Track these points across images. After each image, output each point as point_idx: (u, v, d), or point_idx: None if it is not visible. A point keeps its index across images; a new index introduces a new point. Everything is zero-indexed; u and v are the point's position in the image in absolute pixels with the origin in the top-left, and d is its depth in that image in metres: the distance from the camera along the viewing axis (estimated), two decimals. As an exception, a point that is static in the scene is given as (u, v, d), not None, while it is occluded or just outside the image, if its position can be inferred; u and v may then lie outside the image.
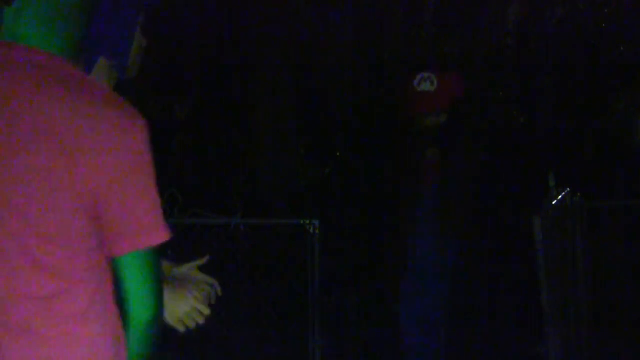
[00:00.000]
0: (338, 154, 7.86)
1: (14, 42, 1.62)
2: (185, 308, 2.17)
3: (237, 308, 5.47)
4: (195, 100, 8.52)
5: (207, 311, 2.19)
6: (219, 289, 2.29)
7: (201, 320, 2.19)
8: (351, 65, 8.30)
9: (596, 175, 6.70)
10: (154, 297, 1.64)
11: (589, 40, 8.27)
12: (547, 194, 4.93)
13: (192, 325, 2.19)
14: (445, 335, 4.61)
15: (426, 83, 4.43)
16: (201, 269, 2.34)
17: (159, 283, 1.65)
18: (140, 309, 1.62)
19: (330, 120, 8.15)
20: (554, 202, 4.88)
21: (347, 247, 6.37)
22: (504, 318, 5.70)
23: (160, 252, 1.66)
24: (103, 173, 1.56)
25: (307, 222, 5.30)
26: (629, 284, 5.73)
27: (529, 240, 4.75)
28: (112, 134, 1.57)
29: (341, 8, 8.34)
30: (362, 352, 5.79)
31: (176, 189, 6.22)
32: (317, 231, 5.26)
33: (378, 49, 8.44)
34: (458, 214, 4.49)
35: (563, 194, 5.04)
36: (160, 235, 1.64)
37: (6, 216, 1.56)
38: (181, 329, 2.20)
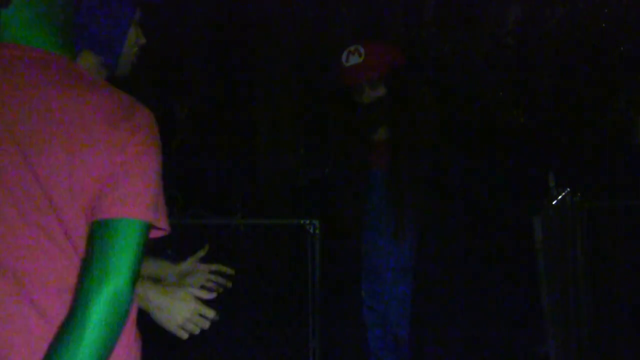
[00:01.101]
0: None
1: (11, 43, 1.65)
2: (186, 313, 2.08)
3: (237, 308, 5.48)
4: (195, 100, 8.52)
5: (211, 313, 2.08)
6: (230, 271, 2.22)
7: (206, 325, 2.09)
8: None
9: (596, 175, 6.70)
10: (128, 266, 1.56)
11: (589, 40, 8.27)
12: (547, 194, 4.93)
13: (195, 330, 2.09)
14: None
15: (354, 56, 4.07)
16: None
17: (137, 260, 1.58)
18: (112, 275, 1.55)
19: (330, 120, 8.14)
20: (554, 202, 4.88)
21: (347, 247, 6.37)
22: (504, 318, 5.69)
23: (146, 237, 1.61)
24: (103, 164, 1.58)
25: (307, 222, 5.30)
26: (629, 283, 5.73)
27: (529, 240, 4.74)
28: (111, 125, 1.59)
29: (341, 8, 8.34)
30: (362, 352, 5.78)
31: (176, 189, 6.22)
32: (317, 231, 5.26)
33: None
34: (411, 204, 4.07)
35: (563, 194, 5.04)
36: (160, 218, 1.62)
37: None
38: (183, 335, 2.10)
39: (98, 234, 1.57)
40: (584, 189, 5.49)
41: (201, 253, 2.32)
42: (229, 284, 2.29)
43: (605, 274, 5.62)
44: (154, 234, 1.68)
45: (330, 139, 4.54)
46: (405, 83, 4.14)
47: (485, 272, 5.47)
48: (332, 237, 4.57)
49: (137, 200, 1.59)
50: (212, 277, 2.31)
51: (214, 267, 2.22)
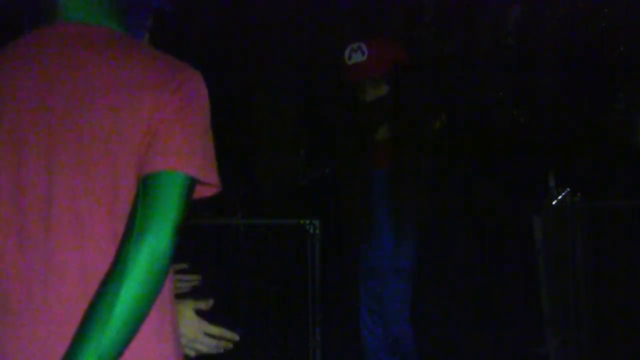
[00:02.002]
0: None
1: (68, 22, 1.74)
2: (189, 333, 1.96)
3: (237, 308, 5.47)
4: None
5: (218, 331, 2.01)
6: (184, 266, 2.16)
7: (217, 344, 2.01)
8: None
9: (596, 175, 6.70)
10: (169, 219, 1.57)
11: (589, 40, 8.26)
12: (547, 194, 4.93)
13: (206, 351, 2.00)
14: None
15: (356, 54, 4.04)
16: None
17: (179, 214, 1.58)
18: (154, 229, 1.56)
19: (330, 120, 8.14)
20: (554, 202, 4.88)
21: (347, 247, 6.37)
22: (504, 318, 5.69)
23: (191, 191, 1.61)
24: (144, 123, 1.61)
25: (307, 222, 5.30)
26: (629, 284, 5.73)
27: (529, 240, 4.74)
28: (151, 85, 1.64)
29: (341, 8, 8.34)
30: (362, 352, 5.78)
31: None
32: (317, 231, 5.26)
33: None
34: (412, 202, 4.03)
35: (563, 194, 5.04)
36: (205, 172, 1.63)
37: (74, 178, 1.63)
38: (190, 354, 2.00)
39: (141, 188, 1.59)
40: (584, 189, 5.49)
41: (180, 266, 2.25)
42: (196, 280, 2.22)
43: (605, 274, 5.62)
44: (206, 191, 1.68)
45: (331, 138, 4.51)
46: (408, 81, 4.12)
47: (485, 272, 5.47)
48: (333, 236, 4.55)
49: (178, 153, 1.60)
50: (178, 276, 2.23)
51: (176, 267, 2.14)
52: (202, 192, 1.68)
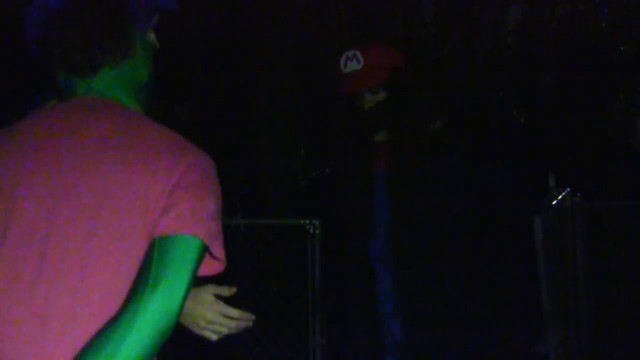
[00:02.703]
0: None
1: (92, 96, 1.79)
2: (209, 315, 2.06)
3: (237, 308, 5.47)
4: (195, 101, 8.52)
5: (235, 313, 2.08)
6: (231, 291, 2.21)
7: (232, 325, 2.07)
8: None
9: (596, 175, 6.70)
10: (182, 281, 1.61)
11: (589, 40, 8.26)
12: (547, 194, 4.93)
13: (222, 331, 2.08)
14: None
15: (352, 62, 3.93)
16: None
17: (190, 277, 1.62)
18: (165, 294, 1.58)
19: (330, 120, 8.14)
20: (554, 202, 4.88)
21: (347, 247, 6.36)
22: (504, 318, 5.69)
23: (202, 257, 1.65)
24: (157, 192, 1.64)
25: (307, 222, 5.30)
26: (629, 284, 5.73)
27: (529, 240, 4.74)
28: (173, 160, 1.68)
29: (341, 8, 8.34)
30: (363, 351, 5.78)
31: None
32: (317, 231, 5.26)
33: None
34: (409, 207, 4.02)
35: (563, 194, 5.04)
36: (217, 246, 1.68)
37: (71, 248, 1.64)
38: (211, 337, 2.08)
39: (155, 248, 1.61)
40: (584, 189, 5.49)
41: None
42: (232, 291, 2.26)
43: (605, 274, 5.62)
44: (211, 269, 1.73)
45: (331, 141, 4.47)
46: (406, 85, 4.07)
47: (485, 272, 5.47)
48: (333, 238, 4.53)
49: (197, 220, 1.64)
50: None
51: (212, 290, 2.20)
52: (204, 269, 1.73)
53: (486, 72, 8.29)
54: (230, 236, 6.06)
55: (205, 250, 1.67)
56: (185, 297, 1.61)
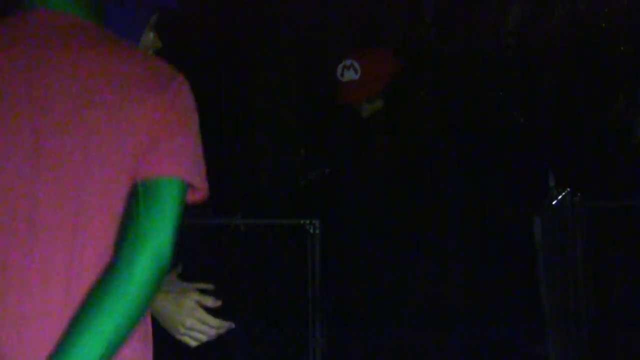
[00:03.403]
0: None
1: (41, 7, 1.68)
2: (188, 321, 2.03)
3: (237, 308, 5.47)
4: (195, 100, 8.51)
5: (215, 322, 2.04)
6: (210, 287, 2.19)
7: (211, 333, 2.04)
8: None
9: (596, 175, 6.70)
10: (170, 223, 1.60)
11: (589, 40, 8.26)
12: (547, 194, 4.93)
13: (201, 339, 2.04)
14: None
15: (349, 71, 3.90)
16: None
17: (177, 218, 1.62)
18: (156, 231, 1.58)
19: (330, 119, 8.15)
20: (554, 202, 4.88)
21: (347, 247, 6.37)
22: (504, 318, 5.69)
23: (185, 195, 1.65)
24: (143, 129, 1.61)
25: (307, 222, 5.30)
26: (629, 284, 5.73)
27: (529, 240, 4.75)
28: (149, 89, 1.63)
29: (341, 8, 8.34)
30: (363, 352, 5.78)
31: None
32: (317, 231, 5.26)
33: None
34: (376, 213, 4.01)
35: (563, 194, 5.04)
36: (200, 179, 1.67)
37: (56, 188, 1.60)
38: (189, 343, 2.05)
39: (140, 193, 1.61)
40: (584, 189, 5.49)
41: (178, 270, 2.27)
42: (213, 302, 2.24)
43: (605, 274, 5.62)
44: (193, 196, 1.70)
45: (330, 145, 4.47)
46: (404, 92, 4.06)
47: (485, 272, 5.47)
48: (333, 237, 4.52)
49: (178, 160, 1.63)
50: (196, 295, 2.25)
51: (197, 286, 2.17)
52: (190, 196, 1.71)
53: (486, 72, 8.28)
54: (230, 236, 6.07)
55: (187, 186, 1.66)
56: (175, 238, 1.61)
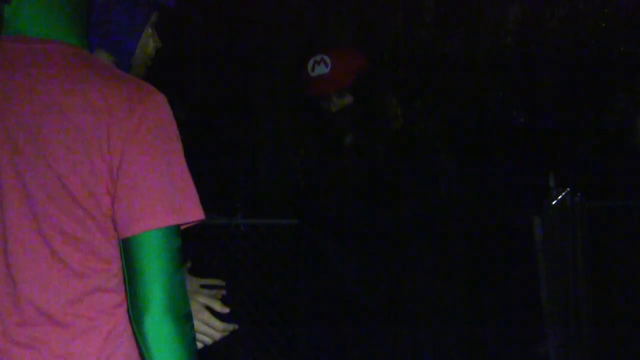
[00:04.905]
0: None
1: (21, 36, 1.65)
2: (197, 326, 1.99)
3: (237, 308, 5.47)
4: (195, 100, 8.52)
5: (219, 325, 2.03)
6: (221, 283, 2.17)
7: (215, 336, 2.03)
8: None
9: (596, 175, 6.70)
10: (168, 277, 1.54)
11: (589, 40, 8.27)
12: (547, 194, 4.93)
13: (205, 341, 2.03)
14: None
15: (320, 66, 4.01)
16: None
17: (175, 266, 1.56)
18: (152, 289, 1.54)
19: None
20: (554, 202, 4.88)
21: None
22: (503, 318, 5.69)
23: (177, 236, 1.58)
24: (119, 149, 1.55)
25: (307, 222, 5.29)
26: (629, 284, 5.73)
27: (529, 240, 4.74)
28: (125, 110, 1.57)
29: (341, 8, 8.34)
30: (363, 352, 5.78)
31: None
32: (317, 231, 5.24)
33: (378, 49, 8.44)
34: (354, 214, 4.04)
35: (563, 194, 5.04)
36: (185, 213, 1.59)
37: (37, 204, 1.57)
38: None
39: (131, 252, 1.56)
40: (584, 189, 5.49)
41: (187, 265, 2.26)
42: (219, 295, 2.23)
43: (605, 273, 5.62)
44: (192, 219, 1.63)
45: (304, 143, 4.51)
46: (371, 90, 4.15)
47: (485, 272, 5.47)
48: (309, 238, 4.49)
49: (151, 208, 1.55)
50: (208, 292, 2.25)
51: (202, 281, 2.15)
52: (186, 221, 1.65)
53: (486, 72, 8.29)
54: (230, 236, 6.07)
55: (177, 228, 1.59)
56: (182, 281, 1.56)
